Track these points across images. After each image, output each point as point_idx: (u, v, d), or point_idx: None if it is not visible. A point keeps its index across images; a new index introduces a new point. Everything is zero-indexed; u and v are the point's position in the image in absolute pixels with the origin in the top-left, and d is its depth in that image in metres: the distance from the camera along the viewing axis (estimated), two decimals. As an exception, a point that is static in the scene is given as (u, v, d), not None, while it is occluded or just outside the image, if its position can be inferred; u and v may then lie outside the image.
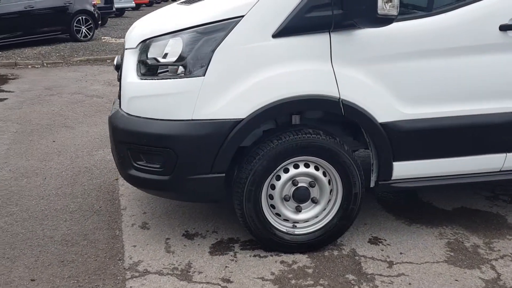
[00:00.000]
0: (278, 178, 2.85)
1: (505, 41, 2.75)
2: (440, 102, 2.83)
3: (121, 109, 2.91)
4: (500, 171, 3.08)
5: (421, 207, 3.65)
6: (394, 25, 2.65)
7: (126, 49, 2.94)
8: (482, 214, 3.53)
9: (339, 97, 2.68)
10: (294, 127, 2.85)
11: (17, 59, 11.06)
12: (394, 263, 2.87)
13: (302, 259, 2.91)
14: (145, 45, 2.79)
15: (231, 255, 2.94)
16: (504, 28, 2.72)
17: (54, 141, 5.23)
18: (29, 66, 10.68)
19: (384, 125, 2.78)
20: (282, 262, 2.87)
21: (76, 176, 4.21)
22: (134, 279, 2.69)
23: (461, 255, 2.96)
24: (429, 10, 2.72)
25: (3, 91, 8.08)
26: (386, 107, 2.77)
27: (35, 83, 8.72)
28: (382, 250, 3.02)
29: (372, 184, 3.01)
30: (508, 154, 3.00)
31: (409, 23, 2.69)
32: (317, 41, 2.63)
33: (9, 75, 9.66)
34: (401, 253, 2.98)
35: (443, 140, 2.89)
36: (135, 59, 2.82)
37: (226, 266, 2.82)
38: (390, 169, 2.91)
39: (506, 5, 2.71)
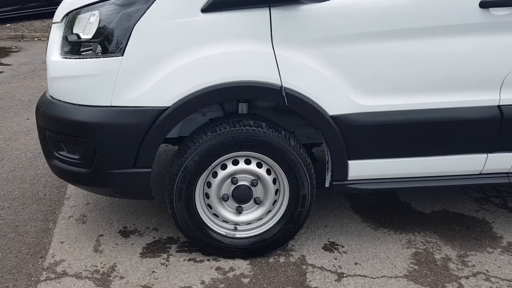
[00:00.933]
0: (215, 175, 2.50)
1: (487, 20, 2.28)
2: (405, 93, 2.39)
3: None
4: (481, 173, 2.64)
5: (395, 208, 3.24)
6: (349, 1, 2.23)
7: (53, 23, 2.60)
8: (464, 219, 3.10)
9: (281, 85, 2.29)
10: (232, 117, 2.48)
11: (25, 32, 10.93)
12: (344, 275, 2.50)
13: (241, 266, 2.57)
14: (69, 18, 2.45)
15: (164, 258, 2.63)
16: (485, 4, 2.24)
17: (28, 119, 5.01)
18: (35, 39, 10.54)
19: (336, 118, 2.38)
20: (218, 268, 2.55)
21: (34, 159, 3.97)
22: (48, 281, 2.42)
23: (427, 269, 2.57)
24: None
25: (1, 64, 7.95)
26: (338, 97, 2.36)
27: (35, 57, 8.55)
28: (336, 259, 2.65)
29: (327, 184, 2.62)
30: (489, 154, 2.56)
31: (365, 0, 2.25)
32: (254, 18, 2.23)
33: (13, 47, 9.54)
34: (356, 264, 2.61)
35: (409, 137, 2.46)
36: (60, 34, 2.49)
37: (153, 271, 2.52)
38: (345, 168, 2.51)
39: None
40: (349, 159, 2.49)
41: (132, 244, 2.77)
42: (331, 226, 3.00)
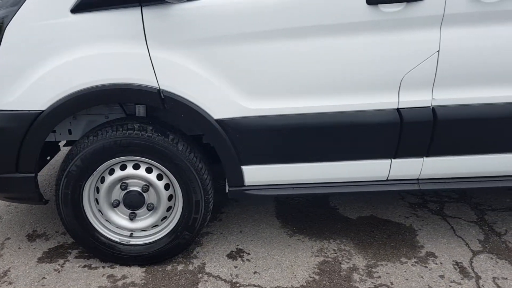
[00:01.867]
0: (103, 180, 2.43)
1: (377, 18, 2.12)
2: (296, 95, 2.26)
3: None
4: (388, 180, 2.49)
5: (321, 213, 3.11)
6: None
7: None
8: (390, 226, 2.95)
9: (158, 87, 2.19)
10: (118, 121, 2.40)
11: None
12: (238, 285, 2.40)
13: (135, 274, 2.50)
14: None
15: (59, 264, 2.58)
16: (372, 1, 2.09)
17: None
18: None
19: (222, 122, 2.27)
20: (110, 276, 2.48)
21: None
22: None
23: (327, 280, 2.44)
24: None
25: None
26: (222, 100, 2.24)
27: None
28: (236, 267, 2.54)
29: (227, 190, 2.52)
30: (393, 160, 2.40)
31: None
32: (126, 18, 2.13)
33: None
34: (255, 273, 2.50)
35: (304, 142, 2.33)
36: None
37: (43, 277, 2.47)
38: (239, 173, 2.40)
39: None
40: (243, 165, 2.38)
41: (34, 248, 2.73)
42: (246, 231, 2.90)
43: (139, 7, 2.11)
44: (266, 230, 2.91)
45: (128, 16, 2.13)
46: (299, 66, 2.20)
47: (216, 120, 2.26)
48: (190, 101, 2.22)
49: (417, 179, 2.49)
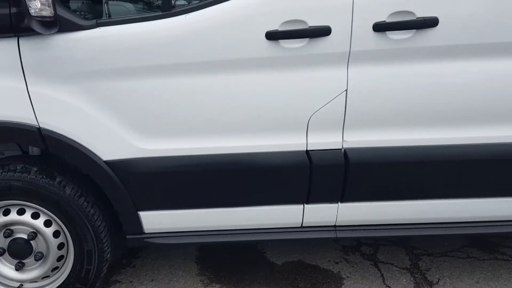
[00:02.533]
0: (-16, 226, 2.19)
1: (278, 54, 1.95)
2: (193, 135, 2.06)
3: None
4: (303, 227, 2.29)
5: (247, 258, 2.88)
6: (113, 29, 1.92)
7: None
8: (316, 273, 2.73)
9: (38, 126, 1.98)
10: (3, 160, 2.17)
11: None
12: None
13: (21, 332, 2.23)
14: None
15: None
16: (272, 36, 1.93)
17: None
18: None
19: (112, 164, 2.05)
20: (-9, 334, 2.21)
21: None
22: None
23: None
24: (166, 9, 1.95)
25: None
26: (112, 140, 2.04)
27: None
28: (136, 324, 2.30)
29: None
30: (306, 205, 2.21)
31: (133, 28, 1.93)
32: (2, 49, 1.93)
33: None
34: (154, 331, 2.25)
35: (206, 185, 2.13)
36: None
37: None
38: (136, 220, 2.18)
39: (275, 4, 1.92)
40: (140, 210, 2.16)
41: None
42: (159, 280, 2.65)
43: (16, 38, 1.92)
44: (181, 279, 2.67)
45: (4, 48, 1.93)
46: (196, 104, 2.01)
47: (106, 162, 2.05)
48: (74, 141, 2.01)
49: (334, 226, 2.30)
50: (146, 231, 2.22)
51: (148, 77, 1.96)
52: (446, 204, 2.21)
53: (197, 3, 1.94)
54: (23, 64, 1.93)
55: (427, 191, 2.19)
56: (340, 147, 2.11)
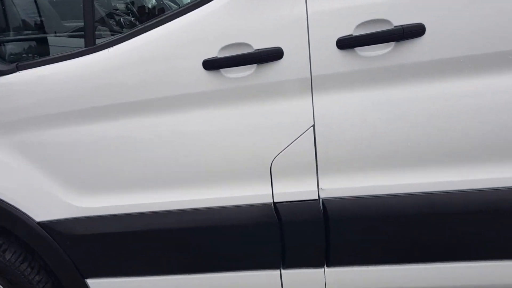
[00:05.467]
0: None
1: (220, 86, 1.57)
2: (133, 190, 1.72)
3: None
4: (285, 297, 1.84)
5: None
6: (35, 72, 1.67)
7: None
8: None
9: (-37, 185, 1.77)
10: None
11: None
12: None
13: None
14: None
15: None
16: (210, 65, 1.55)
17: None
18: None
19: (46, 226, 1.77)
20: None
21: None
22: None
23: None
24: (88, 43, 1.66)
25: None
26: (44, 198, 1.75)
27: None
28: None
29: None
30: (283, 271, 1.75)
31: (55, 68, 1.65)
32: None
33: None
34: None
35: (155, 247, 1.77)
36: None
37: None
38: (83, 289, 1.87)
39: (211, 26, 1.55)
40: (86, 278, 1.85)
41: None
42: None
43: None
44: None
45: None
46: (132, 152, 1.68)
47: (39, 224, 1.77)
48: (1, 200, 1.76)
49: (323, 294, 1.82)
50: (100, 303, 1.91)
51: (75, 124, 1.67)
52: (460, 268, 1.65)
53: (120, 34, 1.64)
54: None
55: (434, 252, 1.65)
56: (316, 197, 1.65)
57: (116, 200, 1.75)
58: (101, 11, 2.23)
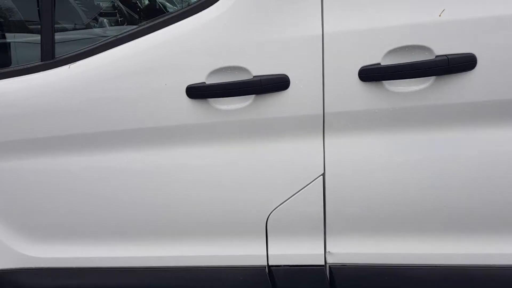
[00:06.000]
0: None
1: (206, 120, 1.22)
2: (91, 239, 1.38)
3: None
4: None
5: None
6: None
7: None
8: None
9: None
10: None
11: None
12: None
13: None
14: None
15: None
16: (196, 92, 1.21)
17: None
18: None
19: (-5, 277, 1.44)
20: None
21: None
22: None
23: None
24: (46, 56, 1.32)
25: None
26: (-11, 244, 1.43)
27: None
28: None
29: None
30: None
31: (4, 85, 1.32)
32: None
33: None
34: None
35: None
36: None
37: None
38: None
39: (199, 42, 1.21)
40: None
41: None
42: None
43: None
44: None
45: None
46: (95, 193, 1.34)
47: (-17, 273, 1.44)
48: None
49: None
50: None
51: (25, 158, 1.33)
52: None
53: (88, 46, 1.29)
54: None
55: None
56: (322, 263, 1.32)
57: (68, 251, 1.41)
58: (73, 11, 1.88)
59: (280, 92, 1.19)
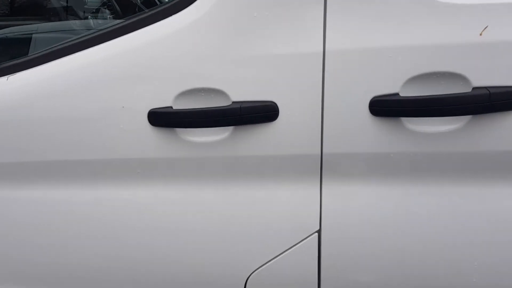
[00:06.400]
0: None
1: (172, 154, 0.95)
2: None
3: None
4: None
5: None
6: None
7: None
8: None
9: None
10: None
11: None
12: None
13: None
14: None
15: None
16: (160, 119, 0.93)
17: None
18: None
19: None
20: None
21: None
22: None
23: None
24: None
25: None
26: None
27: None
28: None
29: None
30: None
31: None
32: None
33: None
34: None
35: None
36: None
37: None
38: None
39: (171, 61, 0.93)
40: None
41: None
42: None
43: None
44: None
45: None
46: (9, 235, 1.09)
47: None
48: None
49: None
50: None
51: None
52: None
53: (32, 55, 1.04)
54: None
55: None
56: None
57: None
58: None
59: (265, 123, 0.92)
